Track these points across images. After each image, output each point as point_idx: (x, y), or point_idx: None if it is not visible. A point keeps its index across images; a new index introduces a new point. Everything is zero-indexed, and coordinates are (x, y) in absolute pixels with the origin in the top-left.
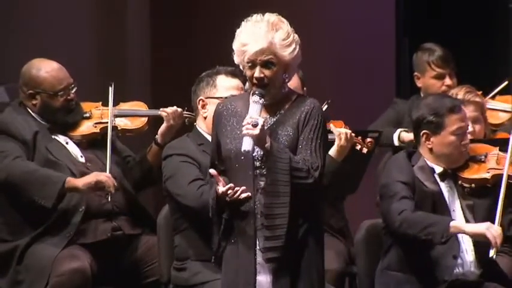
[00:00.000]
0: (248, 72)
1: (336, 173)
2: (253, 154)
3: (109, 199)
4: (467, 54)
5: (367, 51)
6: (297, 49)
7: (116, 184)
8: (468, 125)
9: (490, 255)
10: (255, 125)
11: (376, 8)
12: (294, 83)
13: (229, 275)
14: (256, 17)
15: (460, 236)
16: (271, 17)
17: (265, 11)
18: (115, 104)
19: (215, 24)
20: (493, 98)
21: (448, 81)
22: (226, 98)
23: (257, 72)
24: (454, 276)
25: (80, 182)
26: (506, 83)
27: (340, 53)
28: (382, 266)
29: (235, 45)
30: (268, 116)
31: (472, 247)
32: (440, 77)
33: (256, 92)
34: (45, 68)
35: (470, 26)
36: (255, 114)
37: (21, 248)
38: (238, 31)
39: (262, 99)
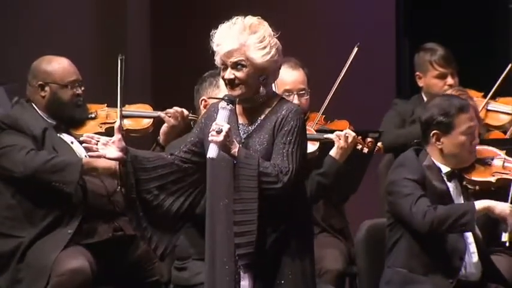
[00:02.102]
0: (222, 74)
1: (337, 174)
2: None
3: (123, 190)
4: (467, 54)
5: (367, 52)
6: (272, 53)
7: None
8: (477, 125)
9: (503, 239)
10: (219, 132)
11: (376, 8)
12: (300, 79)
13: (211, 279)
14: (235, 19)
15: (466, 237)
16: (250, 20)
17: (265, 12)
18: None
19: (215, 24)
20: (494, 99)
21: (450, 80)
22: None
23: (227, 74)
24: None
25: (100, 164)
26: (510, 65)
27: (341, 53)
28: (387, 264)
29: (213, 46)
30: (246, 123)
31: (475, 249)
32: (442, 77)
33: (225, 98)
34: (57, 61)
35: (470, 26)
36: (221, 120)
37: (23, 247)
38: (213, 32)
39: (231, 105)
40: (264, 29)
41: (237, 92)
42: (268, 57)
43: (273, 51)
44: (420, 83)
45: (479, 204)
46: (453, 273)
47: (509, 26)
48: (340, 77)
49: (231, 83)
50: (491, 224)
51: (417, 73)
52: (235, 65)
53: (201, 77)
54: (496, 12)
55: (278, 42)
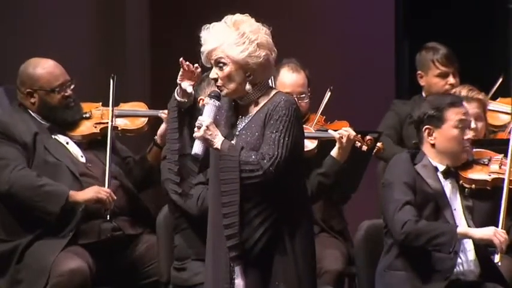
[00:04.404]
0: None
1: (338, 174)
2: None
3: (108, 217)
4: (467, 54)
5: (367, 53)
6: (251, 48)
7: (114, 199)
8: (471, 121)
9: (496, 260)
10: (199, 127)
11: (376, 9)
12: (300, 82)
13: (209, 276)
14: (225, 18)
15: None
16: (235, 17)
17: (266, 13)
18: (115, 104)
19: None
20: (494, 99)
21: (451, 79)
22: None
23: (211, 73)
24: (455, 275)
25: (81, 197)
26: (501, 80)
27: (341, 54)
28: (383, 266)
29: None
30: (241, 117)
31: (472, 246)
32: (444, 76)
33: (211, 94)
34: (42, 66)
35: (470, 26)
36: (205, 116)
37: (22, 248)
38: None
39: (214, 100)
40: (246, 25)
41: (223, 92)
42: (246, 53)
43: (252, 46)
44: (422, 82)
45: (461, 228)
46: (449, 269)
47: (509, 26)
48: (317, 116)
49: (215, 82)
50: (490, 222)
51: (419, 72)
52: (217, 64)
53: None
54: (496, 12)
55: (264, 37)
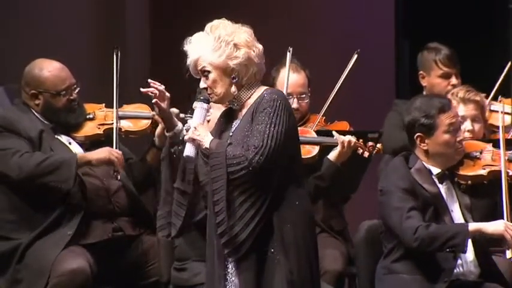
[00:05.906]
0: None
1: (334, 176)
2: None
3: (118, 177)
4: (467, 54)
5: (367, 52)
6: (228, 50)
7: (123, 164)
8: (461, 121)
9: (508, 256)
10: (187, 130)
11: (376, 9)
12: (300, 82)
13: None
14: (206, 27)
15: None
16: (210, 24)
17: (266, 13)
18: (118, 106)
19: None
20: (496, 100)
21: (454, 80)
22: None
23: (200, 84)
24: (454, 276)
25: (93, 157)
26: (510, 64)
27: (342, 53)
28: (383, 270)
29: None
30: (234, 120)
31: (471, 247)
32: (446, 76)
33: (201, 98)
34: (48, 68)
35: (470, 26)
36: (194, 118)
37: (22, 247)
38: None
39: (201, 103)
40: (221, 29)
41: (213, 99)
42: (224, 55)
43: (229, 48)
44: (423, 83)
45: (472, 226)
46: (448, 272)
47: (509, 26)
48: (340, 83)
49: (206, 91)
50: (491, 217)
51: (420, 72)
52: (203, 73)
53: None
54: (496, 12)
55: (241, 36)
